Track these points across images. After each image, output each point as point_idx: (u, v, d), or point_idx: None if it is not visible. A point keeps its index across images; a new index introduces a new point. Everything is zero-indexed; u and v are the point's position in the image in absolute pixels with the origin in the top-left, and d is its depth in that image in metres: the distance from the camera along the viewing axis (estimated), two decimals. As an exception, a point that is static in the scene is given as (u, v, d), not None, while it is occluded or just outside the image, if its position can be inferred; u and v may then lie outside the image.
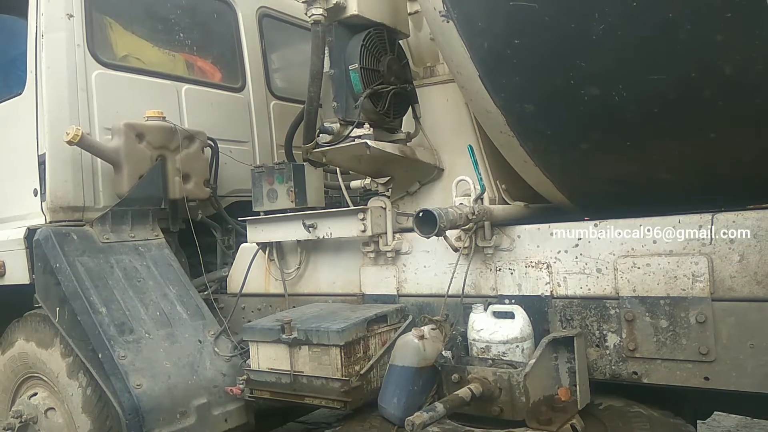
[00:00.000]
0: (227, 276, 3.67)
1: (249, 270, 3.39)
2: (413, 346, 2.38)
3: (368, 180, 3.27)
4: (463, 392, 2.09)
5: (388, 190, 3.21)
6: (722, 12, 1.85)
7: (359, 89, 2.59)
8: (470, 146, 2.55)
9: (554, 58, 2.17)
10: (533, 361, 2.19)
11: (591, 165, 2.40)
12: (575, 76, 2.15)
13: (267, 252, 3.38)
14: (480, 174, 2.48)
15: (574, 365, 2.30)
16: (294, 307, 3.24)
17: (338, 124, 2.65)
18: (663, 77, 2.01)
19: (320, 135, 2.68)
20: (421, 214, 2.17)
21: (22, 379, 3.39)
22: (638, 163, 2.31)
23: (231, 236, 4.02)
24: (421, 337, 2.39)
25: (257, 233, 3.36)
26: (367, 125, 2.62)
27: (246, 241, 3.64)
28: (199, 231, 3.73)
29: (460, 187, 2.61)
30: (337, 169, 3.40)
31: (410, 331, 2.50)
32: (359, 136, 2.62)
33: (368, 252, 2.99)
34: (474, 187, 2.55)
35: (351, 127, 2.58)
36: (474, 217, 2.32)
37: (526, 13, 2.10)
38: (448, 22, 2.31)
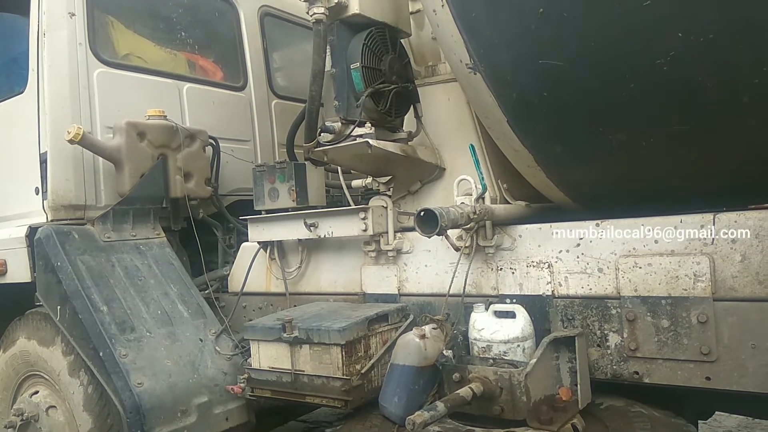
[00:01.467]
0: (228, 275, 3.67)
1: (250, 269, 3.39)
2: (414, 345, 2.37)
3: (369, 179, 3.27)
4: (464, 391, 2.09)
5: (389, 190, 3.21)
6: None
7: (361, 88, 2.59)
8: (471, 145, 2.54)
9: (582, 108, 2.24)
10: (534, 360, 2.19)
11: (595, 166, 2.40)
12: (603, 124, 2.23)
13: (268, 251, 3.38)
14: (481, 173, 2.47)
15: (576, 365, 2.29)
16: (295, 306, 3.24)
17: (340, 123, 2.64)
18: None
19: (322, 134, 2.67)
20: (422, 214, 2.17)
21: (24, 378, 3.40)
22: (641, 163, 2.31)
23: (232, 235, 4.02)
24: (423, 337, 2.38)
25: (258, 232, 3.36)
26: (368, 124, 2.62)
27: (247, 240, 3.66)
28: (201, 230, 3.73)
29: (462, 186, 2.61)
30: (339, 168, 3.40)
31: (411, 330, 2.50)
32: (360, 135, 2.62)
33: (369, 251, 2.99)
34: (475, 187, 2.54)
35: (352, 126, 2.58)
36: (475, 216, 2.31)
37: (555, 69, 2.14)
38: (475, 74, 2.36)
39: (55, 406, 3.15)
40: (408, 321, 2.79)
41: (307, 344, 2.59)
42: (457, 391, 2.10)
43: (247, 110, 4.33)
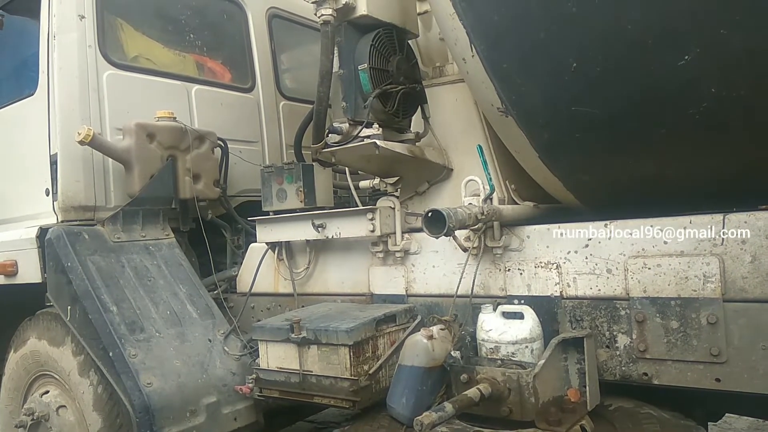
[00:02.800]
0: (237, 275, 3.69)
1: (258, 269, 3.40)
2: (422, 346, 2.38)
3: (377, 180, 3.28)
4: (472, 392, 2.09)
5: (397, 190, 3.22)
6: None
7: (368, 89, 2.59)
8: (479, 146, 2.54)
9: (611, 144, 2.32)
10: (542, 361, 2.18)
11: (603, 166, 2.40)
12: (631, 155, 2.31)
13: (276, 252, 3.39)
14: (489, 174, 2.47)
15: (584, 366, 2.28)
16: (303, 306, 3.25)
17: (347, 124, 2.65)
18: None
19: (329, 135, 2.68)
20: (430, 214, 2.17)
21: (34, 377, 3.43)
22: (650, 164, 2.30)
23: (241, 236, 4.04)
24: (430, 337, 2.39)
25: (266, 233, 3.38)
26: (376, 125, 2.62)
27: (255, 241, 3.68)
28: (209, 231, 3.75)
29: (469, 187, 2.61)
30: (346, 169, 3.41)
31: (419, 331, 2.50)
32: (368, 136, 2.62)
33: (377, 252, 2.99)
34: (483, 187, 2.54)
35: (360, 127, 2.58)
36: (483, 217, 2.31)
37: (587, 114, 2.19)
38: (507, 117, 2.41)
39: (65, 406, 3.17)
40: (416, 322, 2.79)
41: (315, 345, 2.60)
42: (465, 392, 2.09)
43: (255, 112, 4.34)
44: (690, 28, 1.93)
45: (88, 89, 3.40)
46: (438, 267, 2.85)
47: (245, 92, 4.31)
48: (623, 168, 2.36)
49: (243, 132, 4.18)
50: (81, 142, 3.12)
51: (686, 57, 1.94)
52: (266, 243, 3.42)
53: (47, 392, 3.30)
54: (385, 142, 2.63)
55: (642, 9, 1.96)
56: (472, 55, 2.35)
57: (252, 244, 3.65)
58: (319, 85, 2.63)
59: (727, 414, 3.35)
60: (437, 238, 2.25)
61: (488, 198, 2.41)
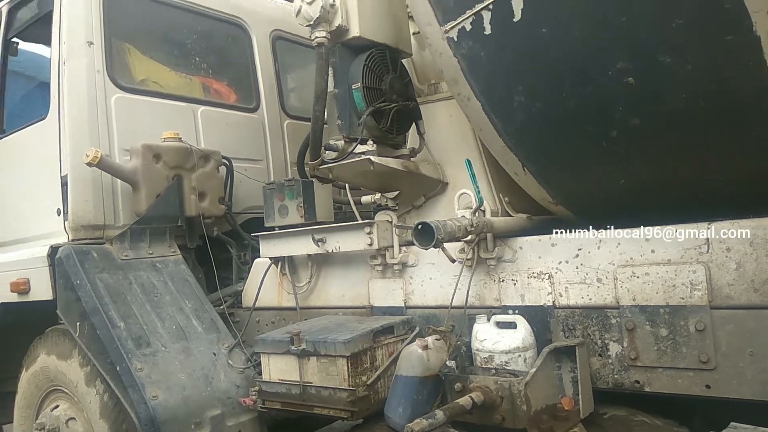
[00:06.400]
0: (242, 290, 3.77)
1: (262, 284, 3.48)
2: (417, 356, 2.43)
3: (378, 195, 3.36)
4: (464, 400, 2.13)
5: (396, 205, 3.29)
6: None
7: (362, 107, 2.68)
8: (467, 160, 2.62)
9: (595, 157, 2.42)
10: (534, 370, 2.23)
11: (582, 169, 2.46)
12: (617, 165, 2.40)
13: (279, 266, 3.47)
14: (478, 187, 2.54)
15: (577, 374, 2.32)
16: (306, 320, 3.31)
17: (342, 141, 2.74)
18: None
19: (326, 152, 2.77)
20: (420, 227, 2.24)
21: (45, 394, 3.52)
22: (639, 174, 2.36)
23: (247, 252, 4.12)
24: (425, 348, 2.44)
25: (270, 248, 3.46)
26: (370, 142, 2.71)
27: (260, 256, 3.76)
28: (215, 247, 3.85)
29: (462, 200, 2.67)
30: (346, 185, 3.49)
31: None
32: (363, 153, 2.70)
33: (376, 265, 3.06)
34: (474, 200, 2.61)
35: (355, 144, 2.67)
36: (473, 228, 2.37)
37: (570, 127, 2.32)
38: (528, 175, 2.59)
39: (74, 418, 3.26)
40: (414, 333, 2.84)
41: (314, 356, 2.66)
42: (457, 400, 2.14)
43: (260, 131, 4.45)
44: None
45: (97, 112, 3.52)
46: (435, 279, 2.90)
47: (250, 112, 4.42)
48: (610, 178, 2.40)
49: (248, 150, 4.28)
50: (89, 164, 3.23)
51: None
52: (269, 258, 3.50)
53: (57, 407, 3.40)
54: (380, 157, 2.71)
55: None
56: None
57: (256, 260, 3.73)
58: (314, 104, 2.72)
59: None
60: (426, 249, 2.31)
61: (477, 210, 2.47)
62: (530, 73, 2.28)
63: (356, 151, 2.67)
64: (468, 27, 2.28)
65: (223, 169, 3.94)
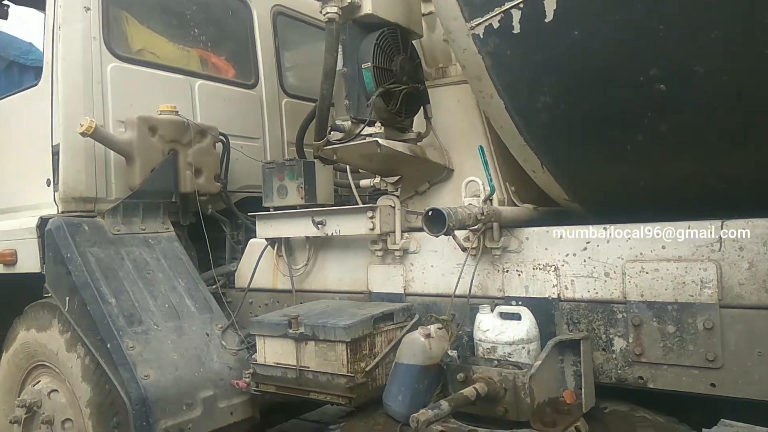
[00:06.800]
0: (236, 271, 3.69)
1: (257, 265, 3.40)
2: (419, 344, 2.38)
3: (378, 179, 3.29)
4: (468, 391, 2.10)
5: (397, 190, 3.23)
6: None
7: (371, 88, 2.60)
8: (481, 147, 2.55)
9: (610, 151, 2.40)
10: (539, 362, 2.19)
11: (603, 170, 2.42)
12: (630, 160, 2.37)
13: (276, 248, 3.40)
14: (490, 175, 2.48)
15: (580, 368, 2.30)
16: (301, 303, 3.26)
17: (350, 122, 2.66)
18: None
19: (332, 132, 2.69)
20: (430, 213, 2.18)
21: (26, 373, 3.42)
22: (652, 169, 2.32)
23: (240, 231, 4.05)
24: (428, 336, 2.40)
25: (266, 229, 3.38)
26: (378, 124, 2.63)
27: (255, 237, 3.68)
28: (209, 226, 3.76)
29: (470, 187, 2.62)
30: (347, 167, 3.42)
31: (416, 329, 2.51)
32: (370, 135, 2.63)
33: (376, 250, 3.00)
34: (483, 188, 2.55)
35: (362, 126, 2.59)
36: (483, 217, 2.32)
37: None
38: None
39: (56, 390, 3.17)
40: (413, 320, 2.80)
41: (312, 341, 2.60)
42: (461, 391, 2.11)
43: (258, 108, 4.35)
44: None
45: (92, 81, 3.40)
46: (437, 266, 2.86)
47: (248, 88, 4.32)
48: (631, 180, 2.38)
49: (245, 128, 4.18)
50: (83, 134, 3.12)
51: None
52: (266, 239, 3.43)
53: (38, 382, 3.30)
54: (387, 140, 2.64)
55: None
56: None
57: (251, 240, 3.66)
58: (322, 82, 2.64)
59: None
60: (437, 236, 2.26)
61: (488, 199, 2.42)
62: (558, 74, 2.24)
63: (364, 132, 2.59)
64: (496, 24, 2.23)
65: (219, 146, 3.85)
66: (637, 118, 2.15)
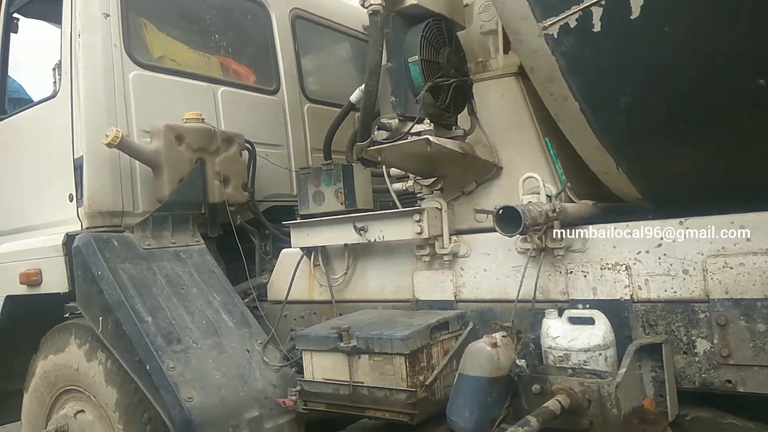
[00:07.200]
0: (267, 282, 3.53)
1: (294, 276, 3.24)
2: (486, 355, 2.21)
3: (410, 182, 3.15)
4: (553, 405, 1.93)
5: (432, 192, 3.08)
6: None
7: (419, 82, 2.44)
8: (548, 140, 2.39)
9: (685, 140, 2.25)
10: (624, 370, 2.03)
11: (695, 177, 2.28)
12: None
13: (312, 257, 3.24)
14: (559, 168, 2.31)
15: (661, 374, 2.14)
16: (341, 314, 3.09)
17: (396, 120, 2.50)
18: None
19: (378, 132, 2.53)
20: (501, 212, 2.02)
21: (50, 406, 3.29)
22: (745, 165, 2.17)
23: (268, 242, 3.89)
24: (494, 345, 2.23)
25: (302, 238, 3.22)
26: (427, 120, 2.48)
27: (284, 247, 3.51)
28: (240, 237, 3.61)
29: (528, 184, 2.46)
30: (384, 170, 3.27)
31: (474, 338, 2.35)
32: (419, 133, 2.47)
33: (423, 255, 2.84)
34: (544, 185, 2.40)
35: (411, 123, 2.43)
36: (554, 214, 2.16)
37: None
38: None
39: (83, 410, 3.03)
40: (468, 329, 2.63)
41: (366, 354, 2.43)
42: (545, 405, 1.93)
43: (280, 114, 4.21)
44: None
45: (114, 90, 3.26)
46: (490, 270, 2.70)
47: (270, 94, 4.18)
48: (716, 179, 2.25)
49: (268, 135, 4.04)
50: (109, 145, 2.98)
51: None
52: (301, 248, 3.26)
53: (64, 409, 3.14)
54: (437, 138, 2.48)
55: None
56: None
57: (284, 250, 3.50)
58: (367, 78, 2.48)
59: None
60: (511, 237, 2.10)
61: (559, 194, 2.26)
62: (644, 74, 2.09)
63: (413, 130, 2.43)
64: (572, 23, 2.09)
65: (245, 154, 3.70)
66: (735, 115, 2.00)
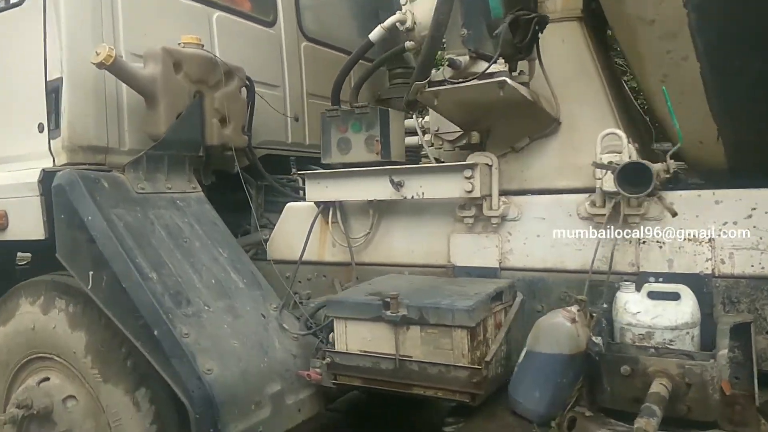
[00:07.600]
0: (268, 240, 3.13)
1: (310, 233, 2.86)
2: (566, 330, 1.97)
3: (428, 136, 2.85)
4: (661, 389, 1.71)
5: (454, 148, 2.78)
6: None
7: (499, 14, 2.09)
8: (664, 89, 2.11)
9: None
10: (725, 350, 1.83)
11: None
12: None
13: (330, 214, 2.87)
14: (677, 122, 2.05)
15: (739, 354, 1.98)
16: (357, 278, 2.77)
17: (468, 57, 2.15)
18: None
19: (446, 67, 2.17)
20: (624, 168, 1.74)
21: (8, 385, 2.82)
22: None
23: (261, 194, 3.48)
24: (573, 320, 1.99)
25: (319, 191, 2.84)
26: (501, 60, 2.14)
27: (278, 201, 3.19)
28: (226, 186, 3.18)
29: (607, 141, 2.19)
30: (415, 117, 2.92)
31: (520, 311, 2.11)
32: (492, 74, 2.13)
33: (465, 217, 2.55)
34: (628, 143, 2.13)
35: (490, 62, 2.07)
36: (669, 176, 1.91)
37: None
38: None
39: (47, 378, 2.60)
40: (518, 300, 2.39)
41: (417, 325, 2.14)
42: (653, 390, 1.71)
43: (277, 50, 3.76)
44: None
45: (100, 5, 2.72)
46: (544, 236, 2.45)
47: (267, 26, 3.71)
48: None
49: (264, 73, 3.58)
50: (99, 65, 2.47)
51: None
52: (316, 203, 2.89)
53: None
54: (513, 82, 2.16)
55: None
56: None
57: (289, 204, 3.11)
58: (438, 6, 2.10)
59: None
60: (637, 198, 1.83)
61: (674, 152, 2.00)
62: None
63: (488, 70, 2.09)
64: None
65: (243, 92, 3.24)
66: None
